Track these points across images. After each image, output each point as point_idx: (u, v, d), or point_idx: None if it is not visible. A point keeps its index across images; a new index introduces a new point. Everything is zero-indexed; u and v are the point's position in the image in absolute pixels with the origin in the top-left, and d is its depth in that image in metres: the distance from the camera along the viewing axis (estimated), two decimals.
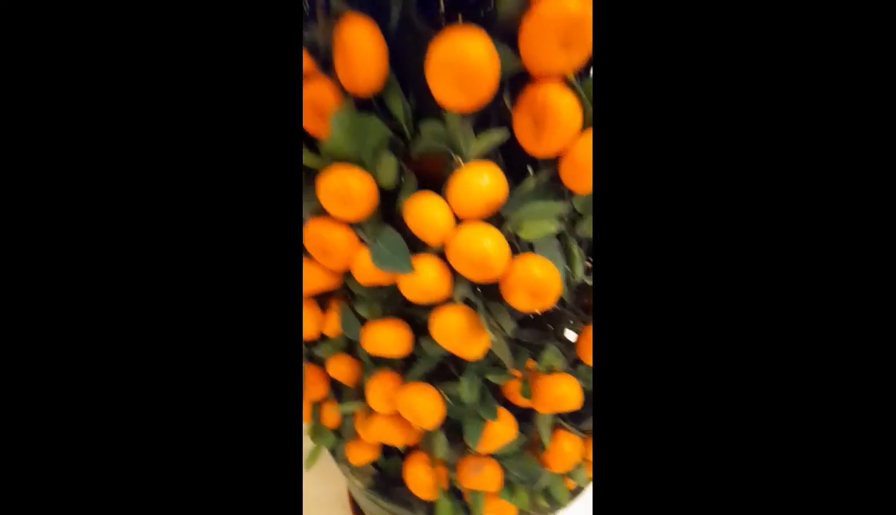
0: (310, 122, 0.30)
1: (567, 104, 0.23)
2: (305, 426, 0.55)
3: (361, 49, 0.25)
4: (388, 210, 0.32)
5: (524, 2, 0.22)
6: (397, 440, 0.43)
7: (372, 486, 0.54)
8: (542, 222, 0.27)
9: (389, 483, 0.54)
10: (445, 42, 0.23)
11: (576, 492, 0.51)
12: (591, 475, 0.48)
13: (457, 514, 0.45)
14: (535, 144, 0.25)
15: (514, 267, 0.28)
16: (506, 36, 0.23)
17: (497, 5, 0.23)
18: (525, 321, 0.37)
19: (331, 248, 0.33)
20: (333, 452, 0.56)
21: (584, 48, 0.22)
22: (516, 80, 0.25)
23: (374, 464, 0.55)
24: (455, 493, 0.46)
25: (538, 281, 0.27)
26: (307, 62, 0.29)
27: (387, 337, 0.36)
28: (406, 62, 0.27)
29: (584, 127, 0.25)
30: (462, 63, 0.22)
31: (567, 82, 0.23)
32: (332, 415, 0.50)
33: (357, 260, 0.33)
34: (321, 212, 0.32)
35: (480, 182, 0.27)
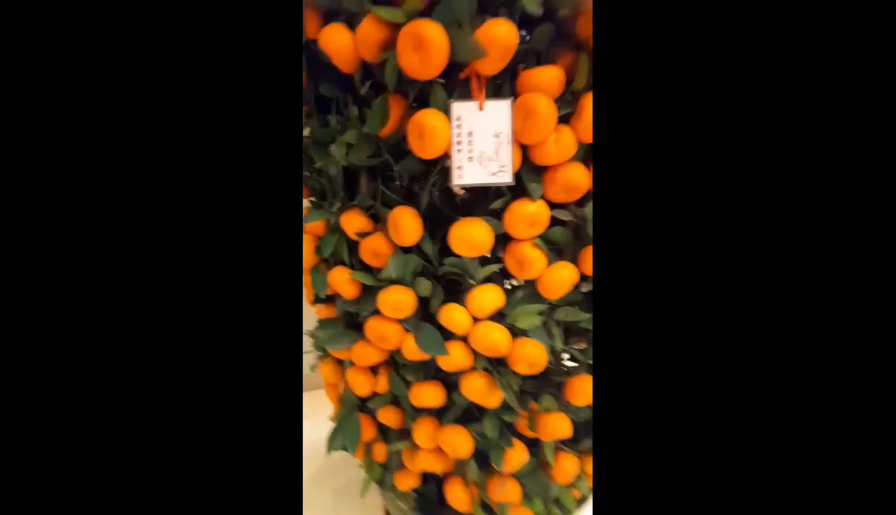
0: (369, 258, 0.45)
1: (537, 256, 0.38)
2: (358, 461, 0.68)
3: (407, 226, 0.40)
4: (424, 311, 0.46)
5: (507, 202, 0.37)
6: (437, 468, 0.56)
7: (414, 508, 0.67)
8: (530, 317, 0.42)
9: (427, 504, 0.67)
10: (461, 227, 0.38)
11: (581, 501, 0.64)
12: (591, 485, 0.61)
13: None
14: (519, 274, 0.40)
15: (515, 348, 0.42)
16: (495, 214, 0.39)
17: (493, 204, 0.38)
18: (527, 376, 0.51)
19: (386, 336, 0.48)
20: (380, 482, 0.69)
21: (543, 225, 0.37)
22: (504, 238, 0.40)
23: (415, 490, 0.68)
24: (486, 507, 0.59)
25: (532, 356, 0.42)
26: (364, 222, 0.44)
27: (429, 394, 0.50)
28: (433, 225, 0.42)
29: (550, 263, 0.40)
30: (472, 239, 0.37)
31: (535, 244, 0.38)
32: (380, 453, 0.63)
33: (405, 344, 0.47)
34: (378, 314, 0.47)
35: (488, 295, 0.42)
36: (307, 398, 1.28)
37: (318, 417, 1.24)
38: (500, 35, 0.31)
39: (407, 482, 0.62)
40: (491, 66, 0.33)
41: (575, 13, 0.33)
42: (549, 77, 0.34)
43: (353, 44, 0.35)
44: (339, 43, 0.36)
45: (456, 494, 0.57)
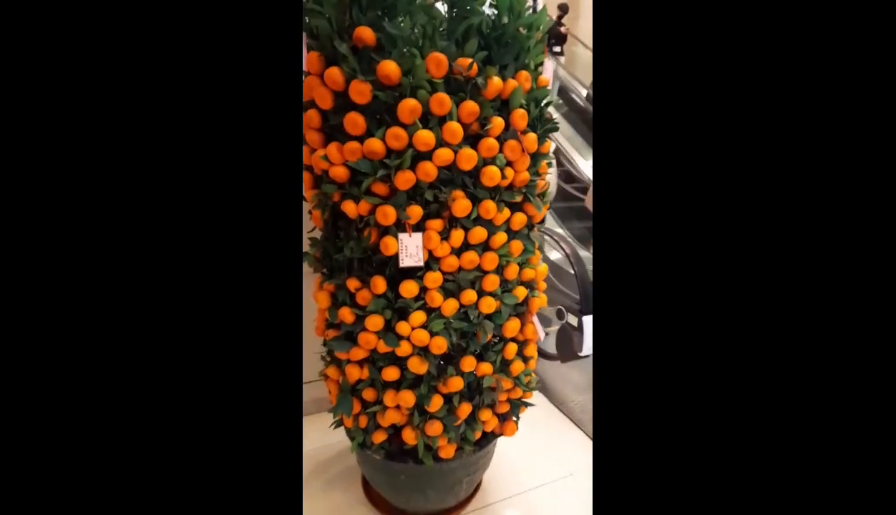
0: (361, 301, 0.92)
1: (439, 296, 0.88)
2: (348, 430, 1.10)
3: (379, 284, 0.89)
4: (388, 326, 0.93)
5: (423, 272, 0.87)
6: (398, 420, 1.00)
7: (383, 456, 1.09)
8: (438, 325, 0.90)
9: (391, 453, 1.09)
10: (405, 283, 0.87)
11: (481, 439, 1.10)
12: (485, 427, 1.07)
13: (427, 452, 1.02)
14: (431, 304, 0.90)
15: (432, 341, 0.90)
16: (419, 279, 0.88)
17: (418, 273, 0.88)
18: (439, 356, 0.98)
19: (369, 342, 0.94)
20: (362, 444, 1.10)
21: (440, 283, 0.87)
22: (424, 289, 0.90)
23: (382, 446, 1.10)
24: (426, 446, 1.03)
25: (440, 345, 0.90)
26: (358, 284, 0.92)
27: (391, 372, 0.96)
28: (391, 283, 0.91)
29: (445, 299, 0.89)
30: (410, 289, 0.87)
31: (437, 290, 0.88)
32: (363, 421, 1.06)
33: (378, 344, 0.94)
34: (365, 330, 0.94)
35: (418, 315, 0.90)
36: (307, 420, 1.68)
37: (313, 433, 1.67)
38: (414, 213, 0.83)
39: (379, 436, 1.06)
40: (413, 217, 0.84)
41: None
42: (433, 228, 0.85)
43: (355, 210, 0.86)
44: (349, 209, 0.86)
45: (408, 435, 1.01)
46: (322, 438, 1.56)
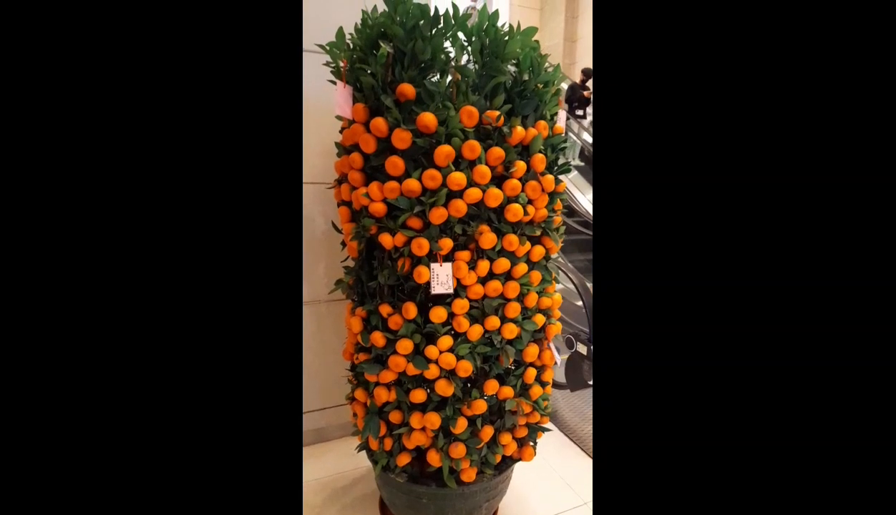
0: (392, 326, 0.99)
1: (466, 322, 0.95)
2: (372, 453, 1.14)
3: (410, 310, 0.96)
4: (417, 350, 1.00)
5: (452, 299, 0.94)
6: (423, 441, 1.05)
7: (406, 479, 1.12)
8: (464, 350, 0.97)
9: (413, 476, 1.13)
10: (435, 309, 0.94)
11: (500, 464, 1.14)
12: (505, 451, 1.12)
13: (451, 475, 1.06)
14: (458, 329, 0.97)
15: (458, 364, 0.97)
16: (447, 305, 0.96)
17: (447, 300, 0.96)
18: (464, 379, 1.04)
19: (399, 364, 1.00)
20: (385, 466, 1.14)
21: (466, 309, 0.95)
22: (451, 314, 0.97)
23: (404, 469, 1.14)
24: (450, 469, 1.07)
25: (466, 368, 0.96)
26: (390, 309, 1.00)
27: (418, 395, 1.02)
28: (422, 309, 0.98)
29: (471, 325, 0.96)
30: (439, 315, 0.94)
31: (464, 316, 0.95)
32: (388, 443, 1.11)
33: (407, 367, 1.00)
34: (395, 353, 1.00)
35: (446, 340, 0.97)
36: (323, 447, 1.71)
37: (331, 459, 1.70)
38: (445, 245, 0.91)
39: (403, 459, 1.10)
40: (445, 248, 0.92)
41: None
42: (460, 258, 0.94)
43: (391, 241, 0.94)
44: (386, 241, 0.94)
45: (433, 456, 1.05)
46: (340, 464, 1.58)
